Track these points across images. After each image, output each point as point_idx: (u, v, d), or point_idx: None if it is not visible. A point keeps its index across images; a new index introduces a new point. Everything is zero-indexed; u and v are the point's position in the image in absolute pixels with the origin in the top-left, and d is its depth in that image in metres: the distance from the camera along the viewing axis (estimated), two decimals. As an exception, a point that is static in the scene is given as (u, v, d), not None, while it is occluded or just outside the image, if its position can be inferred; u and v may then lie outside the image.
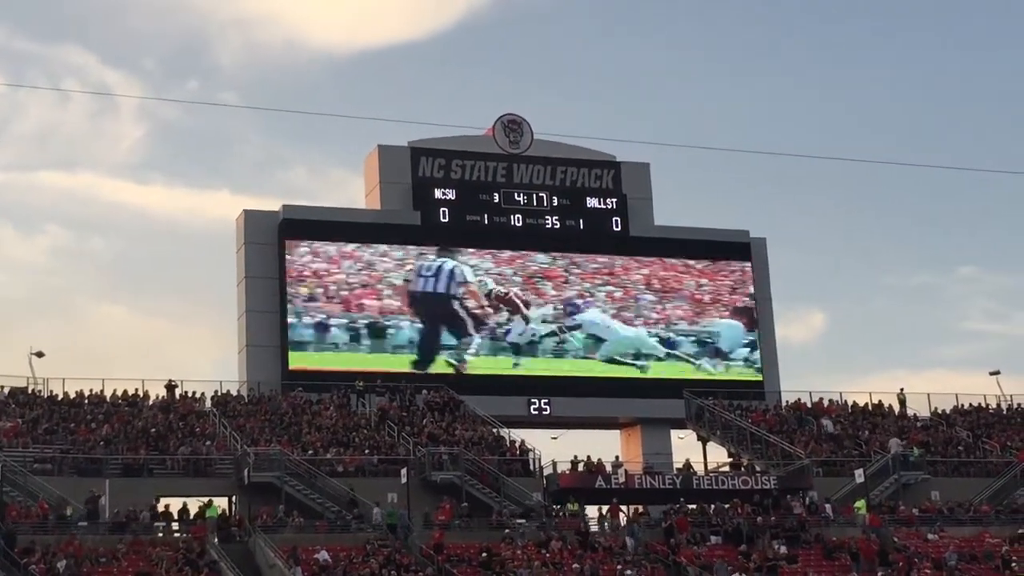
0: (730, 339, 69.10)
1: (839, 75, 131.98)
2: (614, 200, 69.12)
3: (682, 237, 70.11)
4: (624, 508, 55.08)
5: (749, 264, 70.72)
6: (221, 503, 50.24)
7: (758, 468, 59.04)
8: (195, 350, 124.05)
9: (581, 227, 68.37)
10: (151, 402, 57.46)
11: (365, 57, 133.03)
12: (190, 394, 58.90)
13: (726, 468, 61.91)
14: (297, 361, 62.09)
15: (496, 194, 67.46)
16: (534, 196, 67.94)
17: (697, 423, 64.98)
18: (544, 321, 66.60)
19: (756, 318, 69.78)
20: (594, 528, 52.32)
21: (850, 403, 68.00)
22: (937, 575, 49.20)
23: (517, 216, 67.45)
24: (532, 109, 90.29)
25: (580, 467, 56.29)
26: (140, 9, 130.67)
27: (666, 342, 68.01)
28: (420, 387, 62.21)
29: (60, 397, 56.81)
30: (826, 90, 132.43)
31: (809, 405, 66.75)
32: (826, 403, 66.99)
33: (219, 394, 59.34)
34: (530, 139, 68.60)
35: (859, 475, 54.43)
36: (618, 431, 69.33)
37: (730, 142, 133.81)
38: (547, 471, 56.21)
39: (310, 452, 53.39)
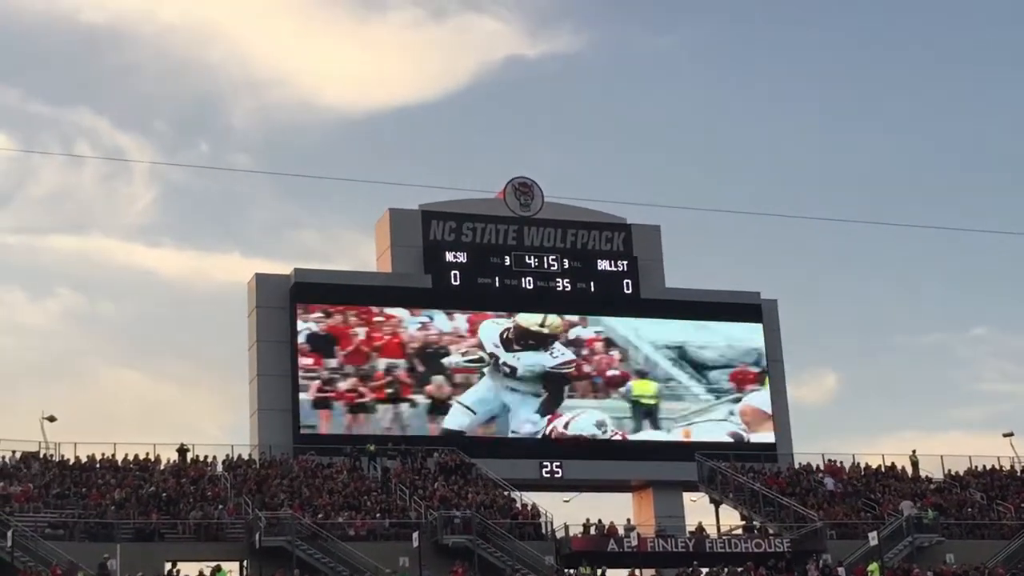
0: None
1: (849, 136, 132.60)
2: (625, 262, 69.31)
3: (693, 299, 70.21)
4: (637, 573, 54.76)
5: (760, 326, 70.88)
6: (232, 568, 50.08)
7: (771, 531, 58.77)
8: (206, 414, 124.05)
9: (592, 290, 68.50)
10: (162, 466, 57.38)
11: (376, 119, 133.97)
12: (201, 458, 58.86)
13: (739, 531, 61.65)
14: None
15: (507, 257, 67.67)
16: (545, 259, 68.14)
17: (709, 485, 64.68)
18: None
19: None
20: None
21: (863, 465, 67.82)
22: (953, 639, 48.89)
23: (528, 279, 67.61)
24: (542, 172, 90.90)
25: (592, 530, 56.11)
26: (151, 72, 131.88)
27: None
28: (432, 450, 62.14)
29: (71, 461, 56.79)
30: (837, 151, 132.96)
31: (821, 467, 66.60)
32: (839, 464, 66.88)
33: (231, 458, 59.26)
34: (541, 202, 68.90)
35: (873, 538, 54.07)
36: (630, 494, 69.12)
37: (741, 204, 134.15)
38: (559, 534, 56.01)
39: (321, 516, 53.28)
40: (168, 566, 49.04)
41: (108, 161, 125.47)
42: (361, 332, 64.68)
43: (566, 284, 68.19)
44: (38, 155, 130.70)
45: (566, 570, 53.15)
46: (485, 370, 65.67)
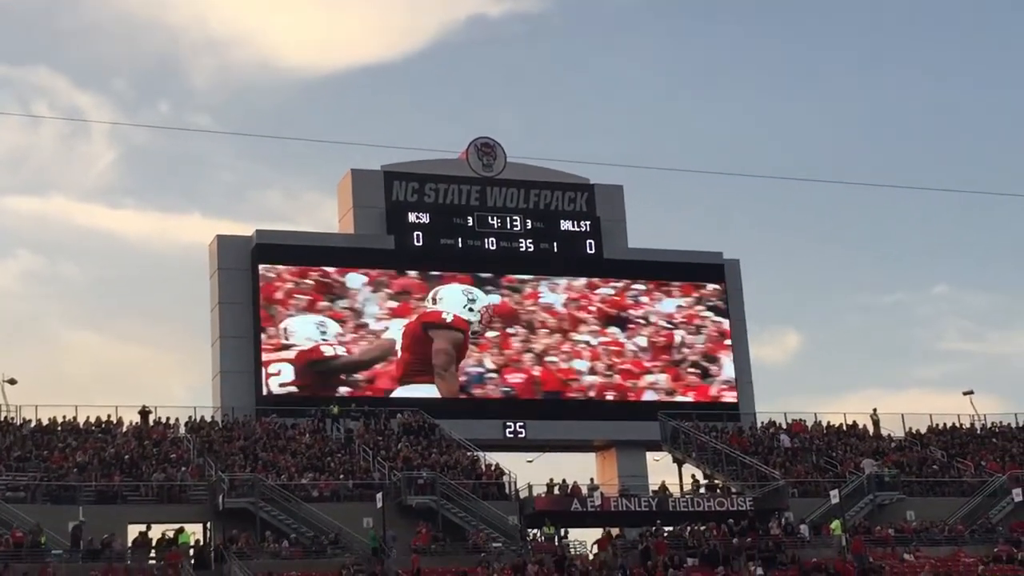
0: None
1: (812, 96, 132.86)
2: (587, 223, 69.26)
3: (655, 259, 70.26)
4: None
5: (723, 286, 71.04)
6: (196, 529, 49.96)
7: (734, 490, 59.06)
8: (169, 376, 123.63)
9: (555, 250, 68.44)
10: (124, 428, 57.13)
11: (338, 79, 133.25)
12: (164, 420, 58.63)
13: (702, 490, 61.87)
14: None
15: (470, 218, 67.50)
16: (508, 219, 68.00)
17: (672, 445, 64.96)
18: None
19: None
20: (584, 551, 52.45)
21: (824, 423, 68.20)
22: (913, 595, 49.31)
23: (491, 239, 67.48)
24: (505, 132, 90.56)
25: (556, 490, 56.21)
26: (111, 30, 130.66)
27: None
28: (395, 411, 62.08)
29: (33, 424, 56.43)
30: (799, 112, 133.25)
31: (784, 426, 66.98)
32: (802, 423, 67.30)
33: (193, 420, 59.07)
34: (503, 162, 68.69)
35: (834, 496, 54.45)
36: (593, 454, 69.31)
37: (703, 164, 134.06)
38: (523, 494, 56.11)
39: (284, 477, 53.19)
40: (138, 528, 48.70)
41: (67, 121, 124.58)
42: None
43: (529, 245, 68.10)
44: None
45: (529, 529, 53.27)
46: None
